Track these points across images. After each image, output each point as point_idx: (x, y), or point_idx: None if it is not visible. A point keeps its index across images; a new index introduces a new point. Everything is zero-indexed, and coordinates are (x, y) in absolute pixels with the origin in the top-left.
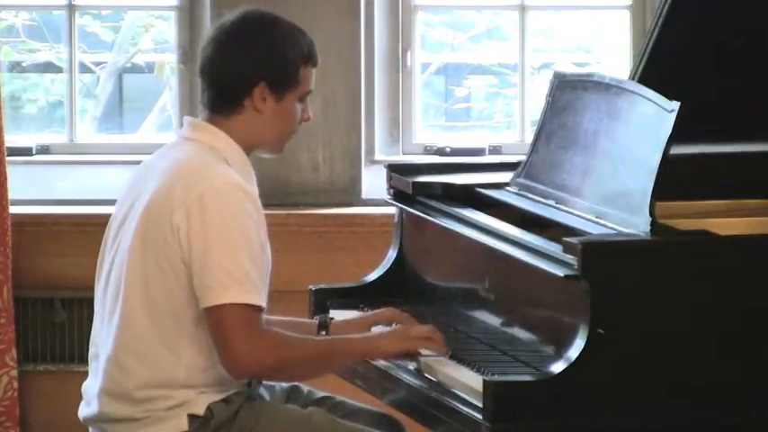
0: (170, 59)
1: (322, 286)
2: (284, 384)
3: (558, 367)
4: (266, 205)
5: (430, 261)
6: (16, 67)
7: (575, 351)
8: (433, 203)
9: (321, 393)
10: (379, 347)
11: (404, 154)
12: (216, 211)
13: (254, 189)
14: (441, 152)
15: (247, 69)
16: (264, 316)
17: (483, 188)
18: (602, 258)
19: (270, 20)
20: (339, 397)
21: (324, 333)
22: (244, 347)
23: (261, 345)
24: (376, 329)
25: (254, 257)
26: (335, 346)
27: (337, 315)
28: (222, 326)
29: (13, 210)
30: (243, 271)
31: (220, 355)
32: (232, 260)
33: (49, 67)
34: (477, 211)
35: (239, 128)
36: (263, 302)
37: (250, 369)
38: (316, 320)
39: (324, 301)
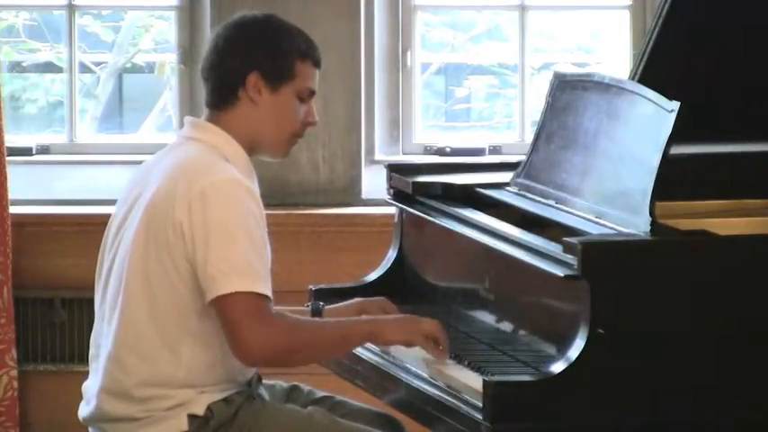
0: (170, 59)
1: (322, 286)
2: (284, 384)
3: (558, 367)
4: (266, 205)
5: (430, 261)
6: (16, 67)
7: (575, 351)
8: (433, 203)
9: (321, 393)
10: (385, 333)
11: (404, 154)
12: (217, 206)
13: (255, 187)
14: (441, 152)
15: (240, 59)
16: None
17: (483, 188)
18: (602, 258)
19: (265, 17)
20: (339, 397)
21: None
22: (255, 334)
23: (272, 330)
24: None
25: (258, 250)
26: (345, 328)
27: None
28: (231, 314)
29: (13, 210)
30: (245, 261)
31: (231, 344)
32: (235, 252)
33: (49, 67)
34: (477, 211)
35: (237, 122)
36: (269, 292)
37: (263, 355)
38: (308, 308)
39: (324, 301)
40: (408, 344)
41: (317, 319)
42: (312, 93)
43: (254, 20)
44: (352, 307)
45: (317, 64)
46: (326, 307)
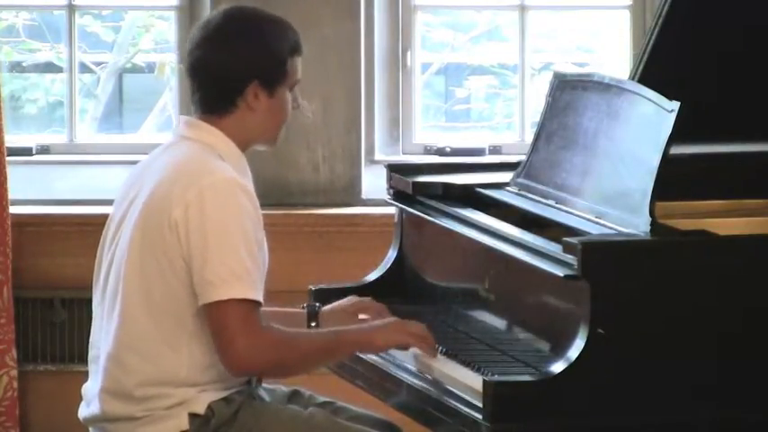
0: (170, 59)
1: (322, 286)
2: (284, 388)
3: (558, 367)
4: (265, 205)
5: (430, 261)
6: (16, 67)
7: (575, 351)
8: (433, 203)
9: (322, 398)
10: (375, 341)
11: (404, 154)
12: (214, 208)
13: (249, 184)
14: (441, 152)
15: (238, 69)
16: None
17: (483, 188)
18: (602, 258)
19: (253, 15)
20: (340, 402)
21: (314, 324)
22: (244, 344)
23: (261, 341)
24: (363, 317)
25: (252, 254)
26: (334, 339)
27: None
28: (223, 322)
29: (13, 210)
30: (242, 266)
31: (220, 351)
32: (231, 256)
33: (49, 67)
34: (477, 211)
35: (234, 126)
36: (261, 298)
37: (250, 365)
38: (304, 310)
39: (324, 301)
40: (402, 346)
41: (305, 330)
42: (299, 81)
43: (246, 20)
44: (349, 308)
45: (301, 53)
46: (323, 308)
